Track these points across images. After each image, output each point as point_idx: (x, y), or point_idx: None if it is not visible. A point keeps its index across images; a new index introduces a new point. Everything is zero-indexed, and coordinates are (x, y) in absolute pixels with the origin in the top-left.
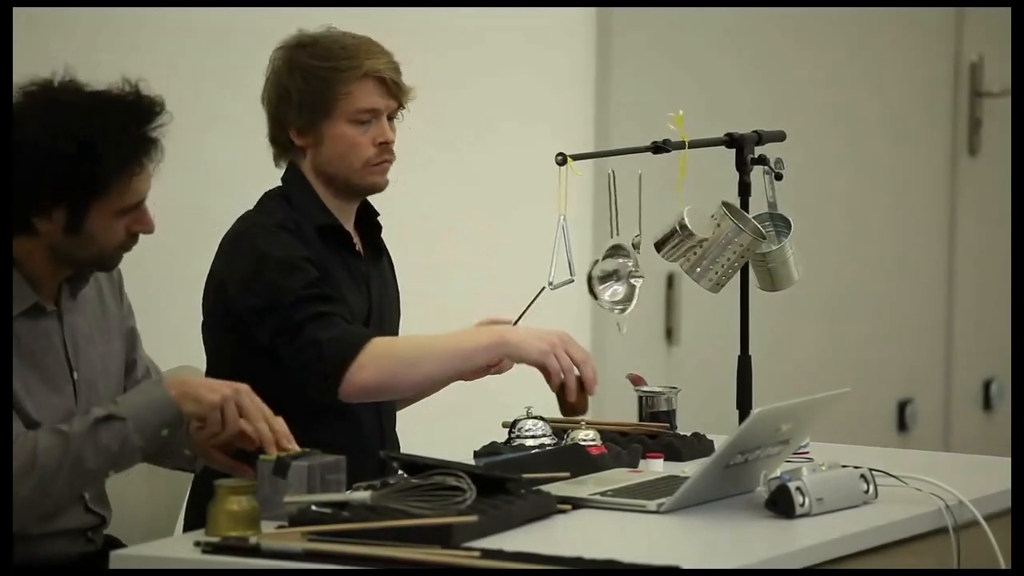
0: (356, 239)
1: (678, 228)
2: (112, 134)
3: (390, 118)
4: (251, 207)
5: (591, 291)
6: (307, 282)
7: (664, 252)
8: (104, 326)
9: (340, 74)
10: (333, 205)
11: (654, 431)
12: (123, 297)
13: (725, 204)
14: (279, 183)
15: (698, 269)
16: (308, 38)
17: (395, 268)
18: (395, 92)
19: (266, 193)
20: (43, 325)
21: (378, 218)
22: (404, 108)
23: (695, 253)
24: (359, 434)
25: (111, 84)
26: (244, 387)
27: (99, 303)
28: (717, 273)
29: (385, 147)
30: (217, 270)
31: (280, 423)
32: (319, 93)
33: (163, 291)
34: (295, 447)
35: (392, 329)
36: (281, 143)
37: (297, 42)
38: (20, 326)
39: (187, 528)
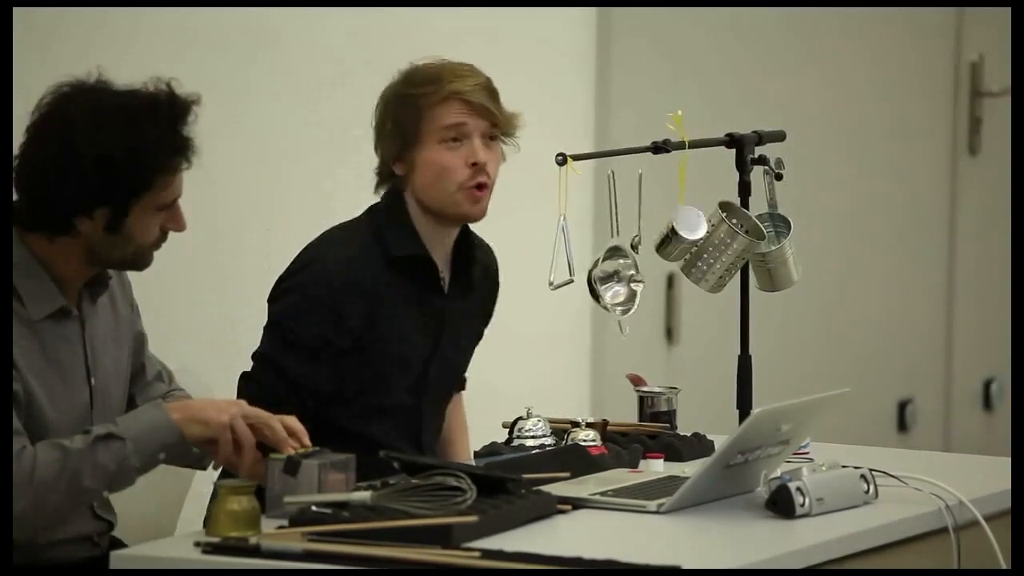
0: (445, 271)
1: (670, 234)
2: (157, 133)
3: (491, 139)
4: (253, 209)
5: (592, 292)
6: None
7: (663, 254)
8: (116, 332)
9: (424, 98)
10: (428, 232)
11: (654, 431)
12: (132, 300)
13: (723, 204)
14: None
15: (697, 272)
16: (405, 70)
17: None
18: (484, 112)
19: (368, 209)
20: (66, 329)
21: (476, 252)
22: (503, 131)
23: (691, 254)
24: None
25: (144, 83)
26: (240, 401)
27: (112, 308)
28: (716, 275)
29: (478, 168)
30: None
31: (293, 421)
32: (407, 119)
33: (163, 293)
34: (307, 443)
35: (459, 364)
36: (384, 175)
37: (397, 77)
38: (45, 329)
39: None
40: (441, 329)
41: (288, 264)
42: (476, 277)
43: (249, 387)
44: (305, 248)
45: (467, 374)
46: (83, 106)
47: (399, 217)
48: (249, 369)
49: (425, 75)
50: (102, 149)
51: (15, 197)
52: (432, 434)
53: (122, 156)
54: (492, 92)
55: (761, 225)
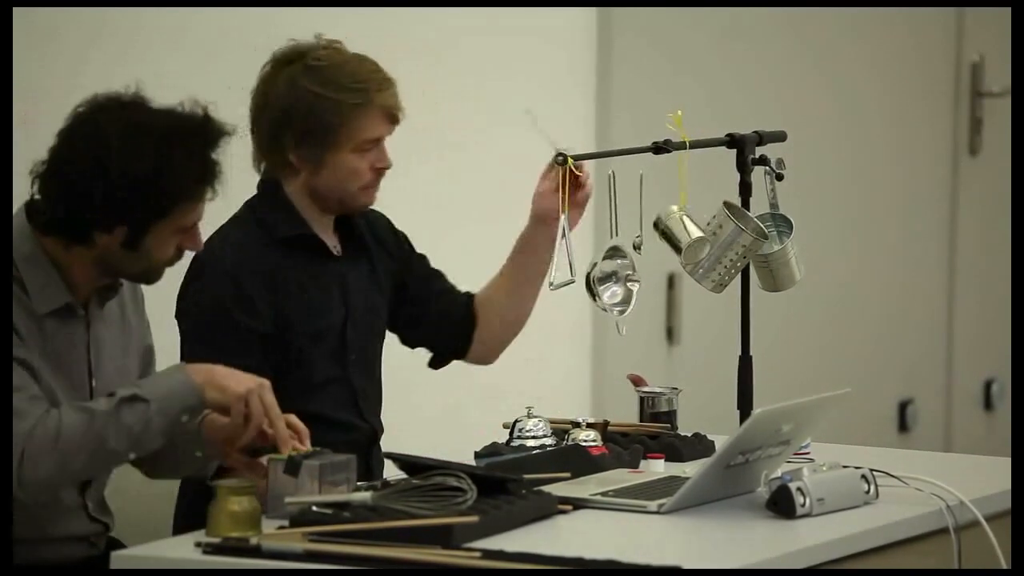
0: (335, 241)
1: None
2: (187, 159)
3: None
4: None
5: (590, 292)
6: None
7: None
8: (124, 341)
9: (350, 108)
10: (312, 216)
11: (655, 432)
12: (143, 314)
13: (727, 204)
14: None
15: (700, 270)
16: (312, 60)
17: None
18: (397, 119)
19: (244, 204)
20: (71, 327)
21: (353, 219)
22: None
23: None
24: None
25: (180, 103)
26: (266, 382)
27: (121, 318)
28: (719, 274)
29: (382, 172)
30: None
31: (296, 422)
32: (326, 124)
33: (165, 295)
34: (308, 446)
35: (374, 328)
36: (274, 160)
37: (298, 62)
38: (50, 324)
39: (176, 532)
40: (347, 294)
41: (184, 278)
42: (366, 239)
43: None
44: (193, 258)
45: (467, 373)
46: (118, 124)
47: (279, 204)
48: None
49: (348, 80)
50: (133, 170)
51: (36, 196)
52: (370, 404)
53: (151, 179)
54: (398, 94)
55: (763, 226)
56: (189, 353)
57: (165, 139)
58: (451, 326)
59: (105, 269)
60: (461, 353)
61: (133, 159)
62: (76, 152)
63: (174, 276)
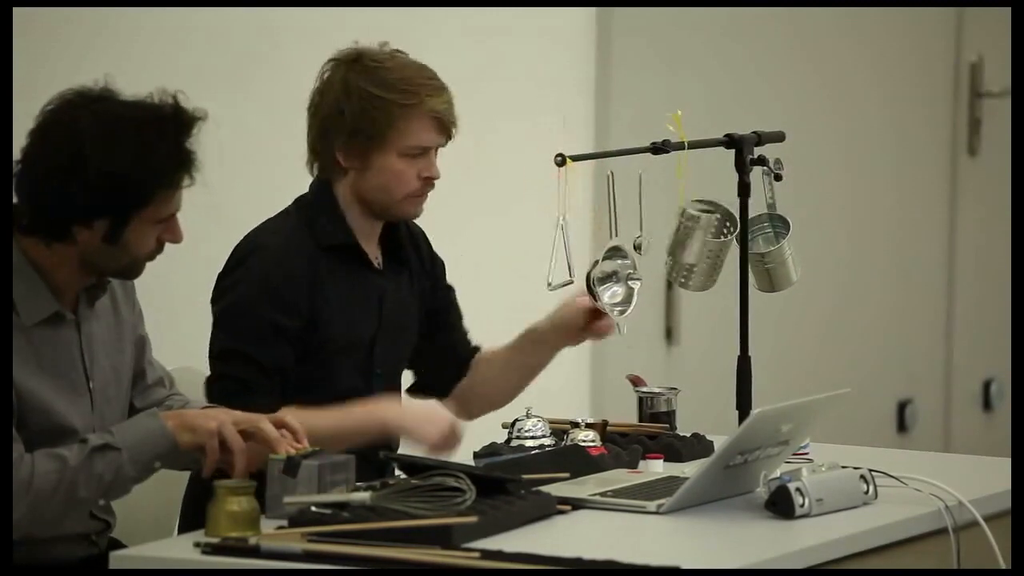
0: (377, 253)
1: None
2: (163, 149)
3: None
4: (255, 207)
5: (591, 292)
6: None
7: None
8: (117, 335)
9: (399, 109)
10: (359, 224)
11: (654, 432)
12: (135, 304)
13: (694, 202)
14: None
15: (679, 276)
16: (370, 61)
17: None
18: (448, 129)
19: (295, 201)
20: (63, 334)
21: (398, 232)
22: (451, 139)
23: (670, 258)
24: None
25: (149, 94)
26: (229, 410)
27: (113, 311)
28: (699, 274)
29: (428, 181)
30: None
31: (288, 418)
32: (375, 123)
33: (168, 291)
34: (306, 444)
35: (403, 344)
36: (324, 158)
37: (356, 62)
38: (41, 335)
39: (181, 532)
40: (382, 308)
41: (227, 263)
42: (409, 253)
43: (220, 384)
44: (238, 246)
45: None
46: (92, 118)
47: (328, 208)
48: (211, 374)
49: (400, 81)
50: (109, 163)
51: (15, 200)
52: None
53: (128, 170)
54: (453, 104)
55: (759, 227)
56: (219, 337)
57: (138, 129)
58: (445, 366)
59: (88, 267)
60: (441, 394)
61: (108, 152)
62: (51, 150)
63: (161, 262)
